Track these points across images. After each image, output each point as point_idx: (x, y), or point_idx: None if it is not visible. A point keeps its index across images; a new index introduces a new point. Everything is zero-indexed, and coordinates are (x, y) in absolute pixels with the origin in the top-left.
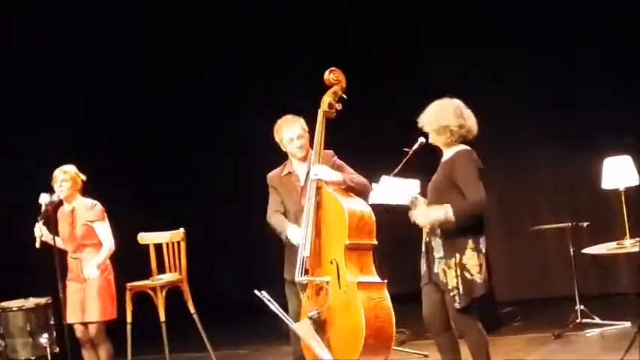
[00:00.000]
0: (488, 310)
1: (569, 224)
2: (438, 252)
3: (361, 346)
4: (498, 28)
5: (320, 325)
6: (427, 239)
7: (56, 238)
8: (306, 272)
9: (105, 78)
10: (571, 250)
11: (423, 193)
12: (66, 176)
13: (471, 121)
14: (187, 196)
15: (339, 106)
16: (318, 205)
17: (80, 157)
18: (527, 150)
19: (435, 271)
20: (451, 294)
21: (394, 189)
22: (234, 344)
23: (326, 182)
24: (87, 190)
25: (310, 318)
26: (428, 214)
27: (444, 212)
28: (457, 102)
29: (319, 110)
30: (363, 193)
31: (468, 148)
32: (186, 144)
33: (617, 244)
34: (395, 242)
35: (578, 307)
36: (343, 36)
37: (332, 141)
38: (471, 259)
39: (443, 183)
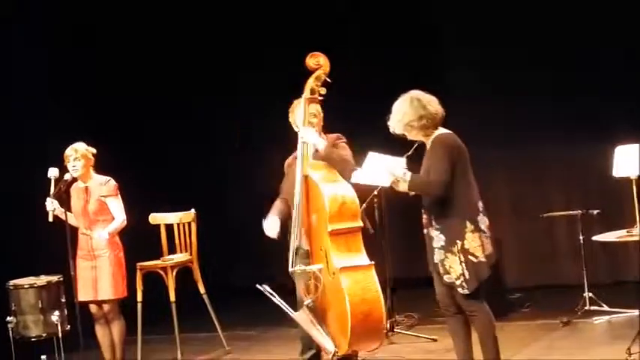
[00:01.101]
0: (497, 296)
1: (580, 212)
2: (437, 242)
3: (349, 332)
4: (508, 21)
5: (317, 313)
6: (426, 231)
7: (68, 213)
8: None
9: (118, 64)
10: (581, 237)
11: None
12: (77, 154)
13: (431, 106)
14: (199, 176)
15: (322, 91)
16: (307, 195)
17: (93, 135)
18: (539, 137)
19: (435, 261)
20: (458, 281)
21: (379, 167)
22: (243, 325)
23: (315, 160)
24: (100, 170)
25: (307, 306)
26: (390, 168)
27: (403, 174)
28: (413, 93)
29: (302, 98)
30: (340, 167)
31: (444, 132)
32: (200, 129)
33: (627, 232)
34: (404, 226)
35: (587, 294)
36: (343, 35)
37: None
38: (473, 241)
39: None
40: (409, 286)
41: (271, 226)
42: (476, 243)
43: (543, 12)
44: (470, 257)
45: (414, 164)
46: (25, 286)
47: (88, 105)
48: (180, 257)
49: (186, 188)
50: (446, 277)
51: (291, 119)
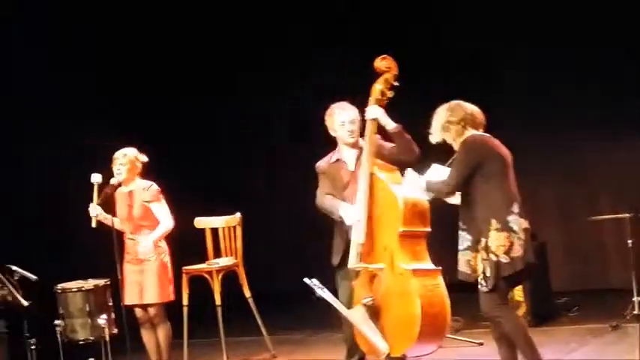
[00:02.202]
0: (544, 300)
1: (628, 215)
2: (461, 244)
3: (417, 334)
4: (544, 17)
5: (373, 312)
6: (460, 231)
7: (114, 219)
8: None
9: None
10: (629, 241)
11: None
12: (125, 159)
13: (468, 108)
14: (244, 181)
15: (390, 94)
16: (370, 192)
17: (140, 138)
18: (587, 139)
19: (459, 265)
20: (478, 278)
21: (435, 178)
22: (288, 329)
23: (372, 150)
24: (147, 173)
25: (364, 305)
26: (410, 181)
27: (421, 182)
28: (451, 102)
29: (370, 98)
30: (408, 147)
31: (470, 135)
32: (241, 130)
33: None
34: (449, 229)
35: (636, 298)
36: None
37: None
38: (496, 240)
39: None
40: (454, 290)
41: (353, 213)
42: (500, 242)
43: (584, 10)
44: (491, 255)
45: None
46: (73, 290)
47: (153, 88)
48: (225, 261)
49: (230, 191)
50: (474, 276)
51: (327, 122)
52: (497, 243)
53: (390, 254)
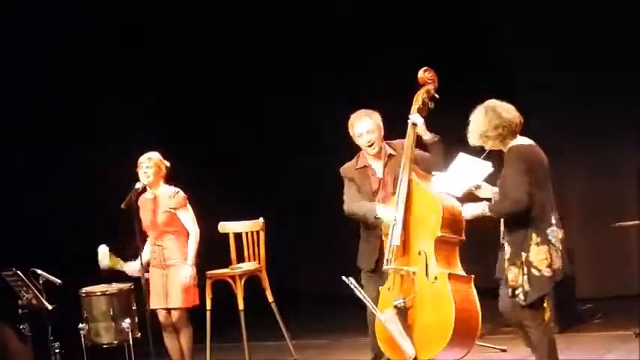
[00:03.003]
0: (568, 306)
1: None
2: (506, 254)
3: (449, 338)
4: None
5: (403, 315)
6: (502, 239)
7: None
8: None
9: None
10: None
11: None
12: (150, 163)
13: (507, 114)
14: (267, 185)
15: (431, 105)
16: (408, 197)
17: (165, 144)
18: (612, 144)
19: (505, 265)
20: (516, 291)
21: (462, 172)
22: (311, 334)
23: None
24: (171, 178)
25: (395, 307)
26: (469, 209)
27: (482, 209)
28: (488, 103)
29: (413, 107)
30: (440, 159)
31: (517, 144)
32: (267, 135)
33: None
34: (475, 236)
35: None
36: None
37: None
38: (538, 254)
39: (503, 181)
40: (479, 296)
41: (391, 214)
42: (541, 256)
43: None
44: (533, 270)
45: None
46: (97, 294)
47: (177, 94)
48: (248, 266)
49: (252, 193)
50: (510, 290)
51: (350, 133)
52: (539, 257)
53: (424, 258)
